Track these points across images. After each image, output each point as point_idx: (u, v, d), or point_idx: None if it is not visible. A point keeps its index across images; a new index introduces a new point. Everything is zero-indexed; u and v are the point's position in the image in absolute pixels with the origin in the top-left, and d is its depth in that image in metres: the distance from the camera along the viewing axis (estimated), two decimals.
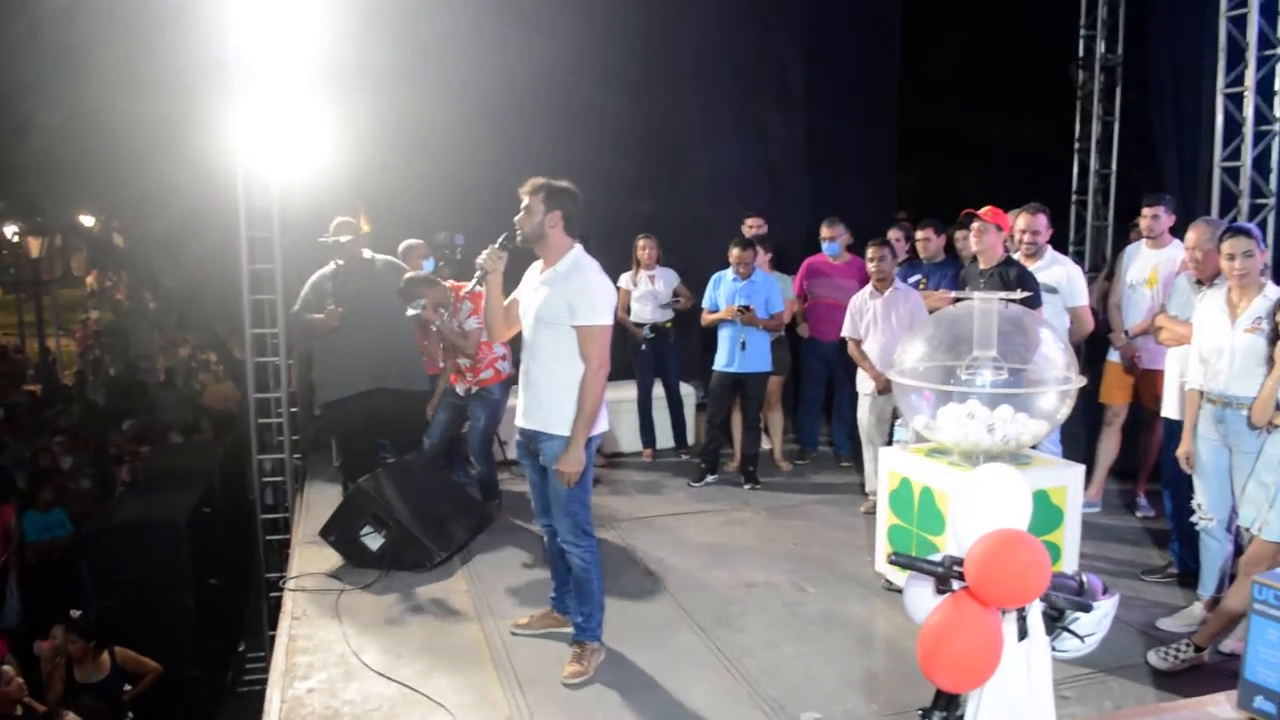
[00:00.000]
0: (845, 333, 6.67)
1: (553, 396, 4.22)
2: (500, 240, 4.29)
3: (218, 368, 17.73)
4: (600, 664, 4.43)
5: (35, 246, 18.98)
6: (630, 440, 8.28)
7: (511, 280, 4.44)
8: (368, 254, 6.64)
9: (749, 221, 7.92)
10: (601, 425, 4.35)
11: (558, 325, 4.18)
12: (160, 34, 10.22)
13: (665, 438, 8.28)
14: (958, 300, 5.11)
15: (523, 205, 4.25)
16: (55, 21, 12.32)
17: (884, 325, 6.41)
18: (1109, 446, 6.45)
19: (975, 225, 5.75)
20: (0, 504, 8.92)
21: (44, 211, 18.42)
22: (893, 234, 7.18)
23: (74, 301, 28.75)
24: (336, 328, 6.37)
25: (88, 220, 21.07)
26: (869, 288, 6.57)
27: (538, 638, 4.73)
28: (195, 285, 14.80)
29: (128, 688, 6.79)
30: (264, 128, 7.27)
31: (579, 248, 4.31)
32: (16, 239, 19.20)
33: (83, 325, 25.61)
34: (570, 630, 4.56)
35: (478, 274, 4.35)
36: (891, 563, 2.36)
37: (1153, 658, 4.35)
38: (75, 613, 6.81)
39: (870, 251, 6.48)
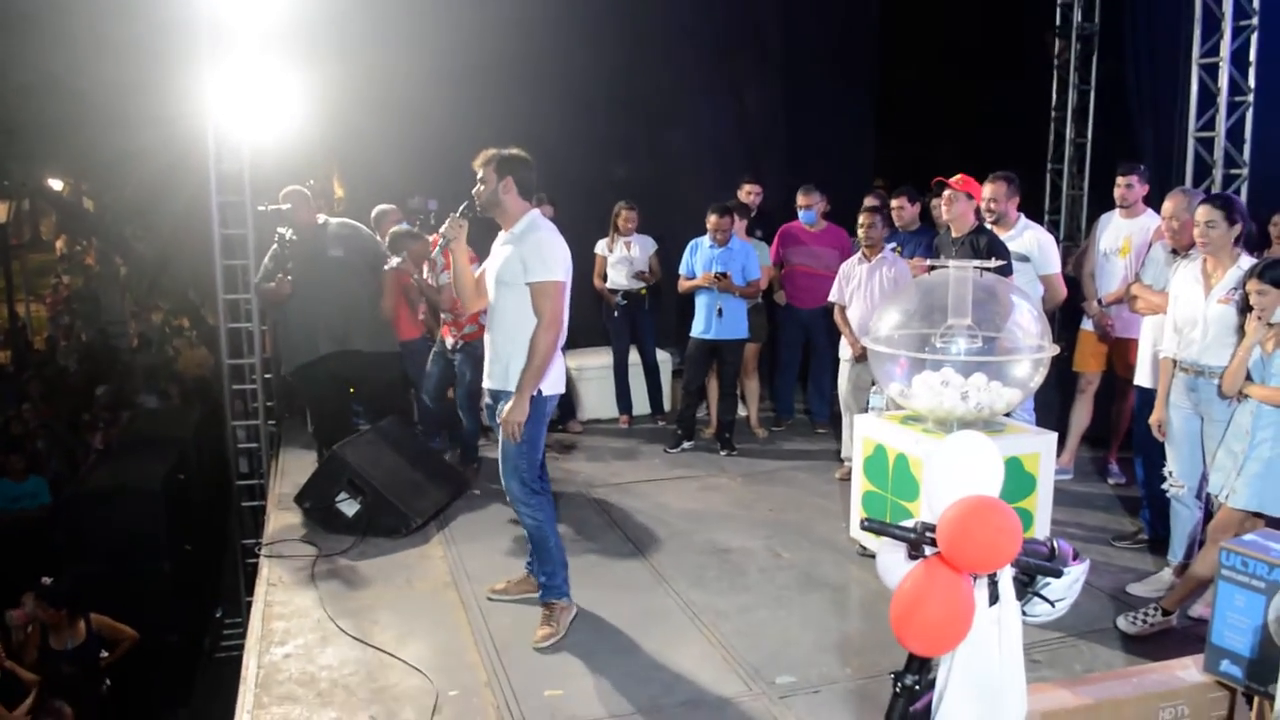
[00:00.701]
0: (832, 297, 6.70)
1: (513, 355, 4.29)
2: (460, 210, 4.38)
3: (191, 333, 17.59)
4: (572, 622, 4.46)
5: (2, 210, 18.68)
6: (606, 406, 8.28)
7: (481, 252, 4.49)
8: (321, 218, 6.55)
9: (746, 188, 7.90)
10: (557, 386, 4.42)
11: (515, 285, 4.27)
12: None
13: (641, 404, 8.29)
14: (932, 269, 5.13)
15: (478, 177, 4.35)
16: None
17: (866, 292, 6.42)
18: (1081, 414, 6.50)
19: (946, 194, 5.79)
20: None
21: (10, 175, 18.15)
22: (869, 201, 7.17)
23: (43, 266, 28.38)
24: (289, 295, 6.31)
25: (56, 184, 20.79)
26: (859, 254, 6.58)
27: (515, 603, 4.73)
28: (167, 250, 14.67)
29: (105, 654, 6.77)
30: (235, 92, 7.17)
31: (535, 211, 4.42)
32: None
33: (53, 290, 25.31)
34: None
35: (440, 243, 4.49)
36: (864, 528, 2.38)
37: (1122, 622, 4.41)
38: (46, 580, 6.77)
39: (861, 218, 6.48)
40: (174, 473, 8.13)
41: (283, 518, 6.05)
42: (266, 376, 7.75)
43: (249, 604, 5.70)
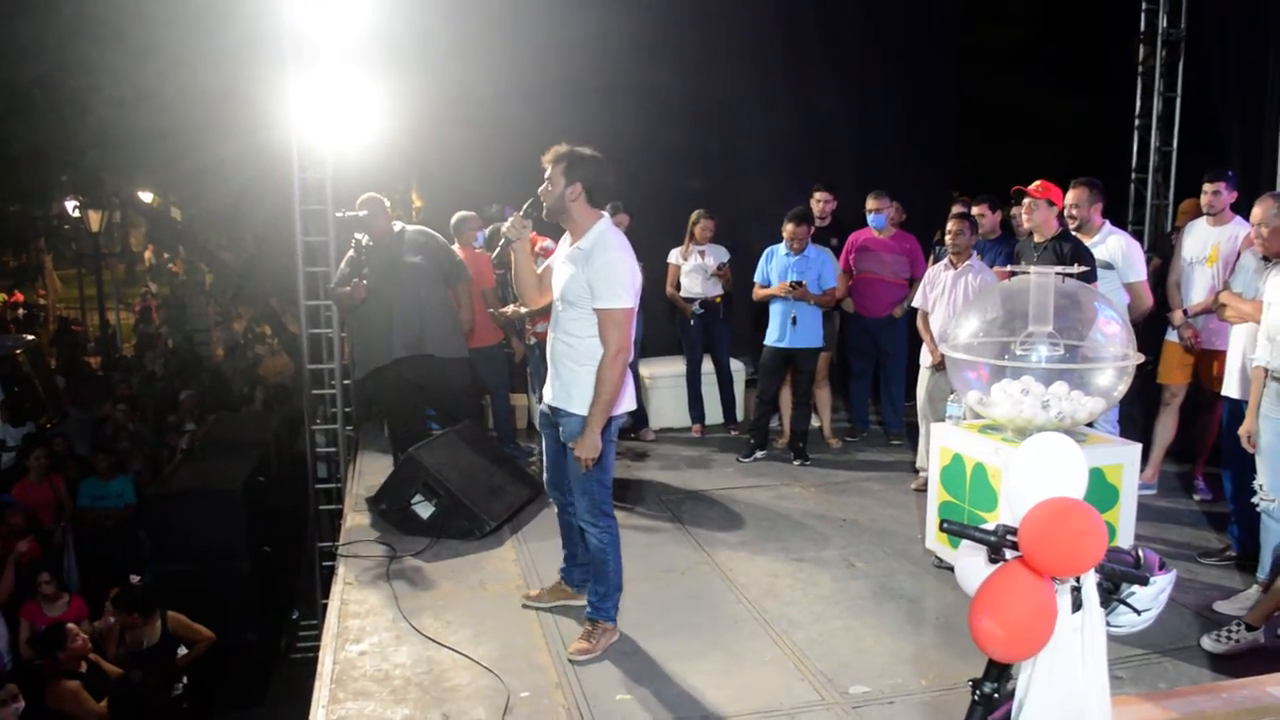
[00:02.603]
0: (916, 303, 6.63)
1: (574, 374, 4.14)
2: (525, 208, 4.19)
3: (272, 341, 17.97)
4: (612, 644, 4.36)
5: (95, 220, 19.23)
6: (679, 415, 8.28)
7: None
8: (398, 225, 6.58)
9: (818, 196, 7.83)
10: (627, 405, 4.25)
11: (580, 305, 4.08)
12: (215, 8, 10.32)
13: (714, 413, 8.27)
14: (1013, 274, 5.04)
15: (545, 175, 4.13)
16: None
17: (950, 299, 6.31)
18: (1166, 427, 6.34)
19: (1026, 202, 5.71)
20: (50, 473, 9.13)
21: (103, 186, 18.66)
22: (956, 208, 7.05)
23: (131, 276, 29.25)
24: (363, 298, 6.33)
25: (146, 196, 21.35)
26: (945, 260, 6.49)
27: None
28: (250, 260, 14.95)
29: (183, 651, 6.91)
30: (318, 101, 7.33)
31: (605, 219, 4.17)
32: (77, 213, 19.53)
33: (142, 299, 26.08)
34: (581, 604, 4.55)
35: (502, 243, 4.27)
36: (944, 531, 2.34)
37: (1207, 642, 4.28)
38: (135, 578, 6.93)
39: (950, 224, 6.36)
40: (254, 475, 8.30)
41: (359, 519, 6.14)
42: (345, 382, 7.88)
43: (324, 606, 5.78)
